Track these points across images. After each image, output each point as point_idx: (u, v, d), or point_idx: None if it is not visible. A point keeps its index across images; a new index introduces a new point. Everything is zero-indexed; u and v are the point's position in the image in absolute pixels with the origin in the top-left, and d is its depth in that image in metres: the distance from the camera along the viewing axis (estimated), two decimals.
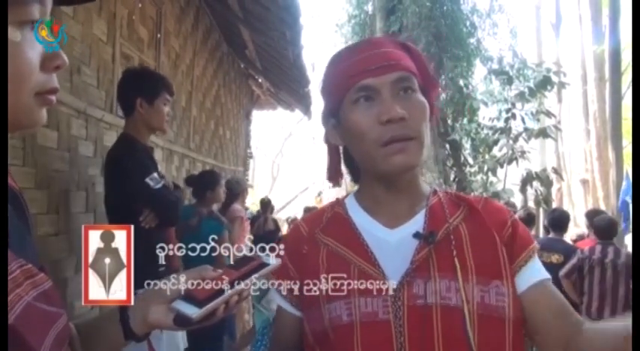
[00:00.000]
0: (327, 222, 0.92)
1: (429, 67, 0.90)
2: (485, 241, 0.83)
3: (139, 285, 2.32)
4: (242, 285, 0.70)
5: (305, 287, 0.87)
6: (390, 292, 0.79)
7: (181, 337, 2.22)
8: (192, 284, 0.71)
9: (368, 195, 0.91)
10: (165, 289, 0.71)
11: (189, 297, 0.68)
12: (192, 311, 0.66)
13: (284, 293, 0.91)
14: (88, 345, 0.70)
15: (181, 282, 0.71)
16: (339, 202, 0.96)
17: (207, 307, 0.66)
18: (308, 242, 0.90)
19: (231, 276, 0.70)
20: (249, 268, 0.72)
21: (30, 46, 0.51)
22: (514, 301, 0.80)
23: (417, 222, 0.86)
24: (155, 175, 2.12)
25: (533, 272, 0.84)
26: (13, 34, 0.49)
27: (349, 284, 0.82)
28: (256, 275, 0.71)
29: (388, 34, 7.79)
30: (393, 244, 0.84)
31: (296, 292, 0.89)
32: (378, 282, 0.81)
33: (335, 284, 0.83)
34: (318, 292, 0.84)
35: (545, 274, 0.85)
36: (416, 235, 0.83)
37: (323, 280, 0.84)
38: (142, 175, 2.09)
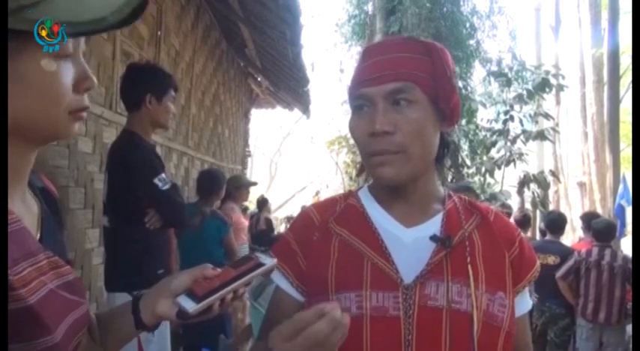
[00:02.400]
0: (340, 212, 0.92)
1: (449, 70, 0.84)
2: (495, 254, 0.86)
3: (138, 286, 2.28)
4: (237, 283, 0.74)
5: (312, 274, 0.87)
6: (403, 290, 0.80)
7: (169, 340, 2.21)
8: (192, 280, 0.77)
9: (382, 191, 0.91)
10: (173, 285, 0.76)
11: (190, 293, 0.73)
12: (190, 306, 0.71)
13: (291, 278, 0.90)
14: (106, 333, 0.80)
15: (187, 278, 0.76)
16: (352, 194, 0.96)
17: (204, 302, 0.71)
18: (319, 230, 0.90)
19: (229, 274, 0.75)
20: (246, 267, 0.75)
21: (64, 75, 0.62)
22: (511, 316, 0.83)
23: (434, 224, 0.87)
24: (163, 175, 2.08)
25: (526, 301, 0.91)
26: (50, 65, 0.59)
27: (361, 277, 0.82)
28: (252, 274, 0.75)
29: (396, 34, 7.81)
30: (407, 243, 0.85)
31: (301, 278, 0.89)
32: (391, 278, 0.81)
33: (346, 275, 0.83)
34: (325, 281, 0.84)
35: (530, 304, 0.93)
36: (433, 237, 0.83)
37: (333, 270, 0.85)
38: (150, 175, 2.06)
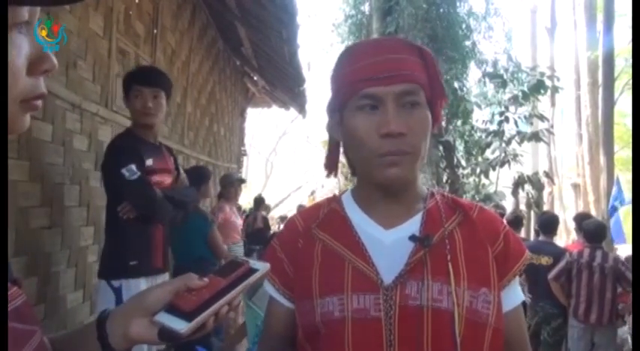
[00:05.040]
0: (323, 218, 0.93)
1: (440, 76, 0.87)
2: (477, 250, 0.85)
3: (111, 275, 2.35)
4: (231, 294, 0.64)
5: (298, 280, 0.89)
6: (383, 291, 0.81)
7: None
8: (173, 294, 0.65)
9: (364, 194, 0.92)
10: (148, 301, 0.64)
11: (174, 309, 0.62)
12: (180, 326, 0.59)
13: (277, 285, 0.92)
14: None
15: (165, 292, 0.64)
16: (335, 199, 0.97)
17: (197, 320, 0.60)
18: (303, 236, 0.92)
19: (219, 284, 0.65)
20: (237, 274, 0.67)
21: (17, 52, 0.47)
22: (498, 311, 0.83)
23: (414, 224, 0.87)
24: (132, 166, 2.09)
25: (514, 294, 0.89)
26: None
27: (343, 280, 0.83)
28: (246, 282, 0.67)
29: (392, 35, 7.82)
30: (387, 244, 0.85)
31: (289, 285, 0.91)
32: (371, 280, 0.82)
33: (328, 280, 0.85)
34: (310, 286, 0.86)
35: (522, 296, 0.91)
36: (412, 237, 0.83)
37: (316, 275, 0.86)
38: (119, 164, 2.10)
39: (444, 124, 8.89)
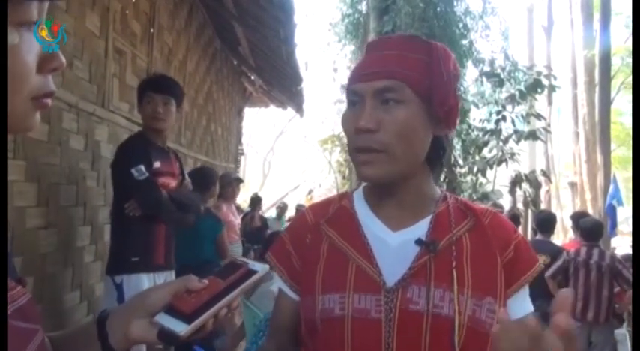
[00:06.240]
0: (333, 214, 0.93)
1: (446, 75, 0.81)
2: (485, 258, 0.83)
3: (114, 271, 2.45)
4: (230, 296, 0.64)
5: (304, 275, 0.89)
6: (385, 293, 0.80)
7: None
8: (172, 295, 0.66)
9: (373, 193, 0.92)
10: (149, 301, 0.64)
11: (174, 310, 0.62)
12: (179, 327, 0.60)
13: (285, 277, 0.93)
14: None
15: (165, 293, 0.64)
16: (347, 195, 0.97)
17: (196, 322, 0.60)
18: (312, 231, 0.92)
19: (219, 286, 0.65)
20: (236, 276, 0.67)
21: (27, 49, 0.48)
22: None
23: (421, 228, 0.85)
24: (142, 167, 2.20)
25: (525, 303, 0.87)
26: (12, 36, 0.46)
27: (345, 279, 0.83)
28: (245, 284, 0.67)
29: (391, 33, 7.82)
30: (393, 246, 0.85)
31: (296, 278, 0.91)
32: (374, 281, 0.82)
33: (331, 277, 0.84)
34: (314, 282, 0.86)
35: (531, 307, 0.88)
36: (418, 241, 0.83)
37: (321, 271, 0.86)
38: (129, 164, 2.20)
39: None
